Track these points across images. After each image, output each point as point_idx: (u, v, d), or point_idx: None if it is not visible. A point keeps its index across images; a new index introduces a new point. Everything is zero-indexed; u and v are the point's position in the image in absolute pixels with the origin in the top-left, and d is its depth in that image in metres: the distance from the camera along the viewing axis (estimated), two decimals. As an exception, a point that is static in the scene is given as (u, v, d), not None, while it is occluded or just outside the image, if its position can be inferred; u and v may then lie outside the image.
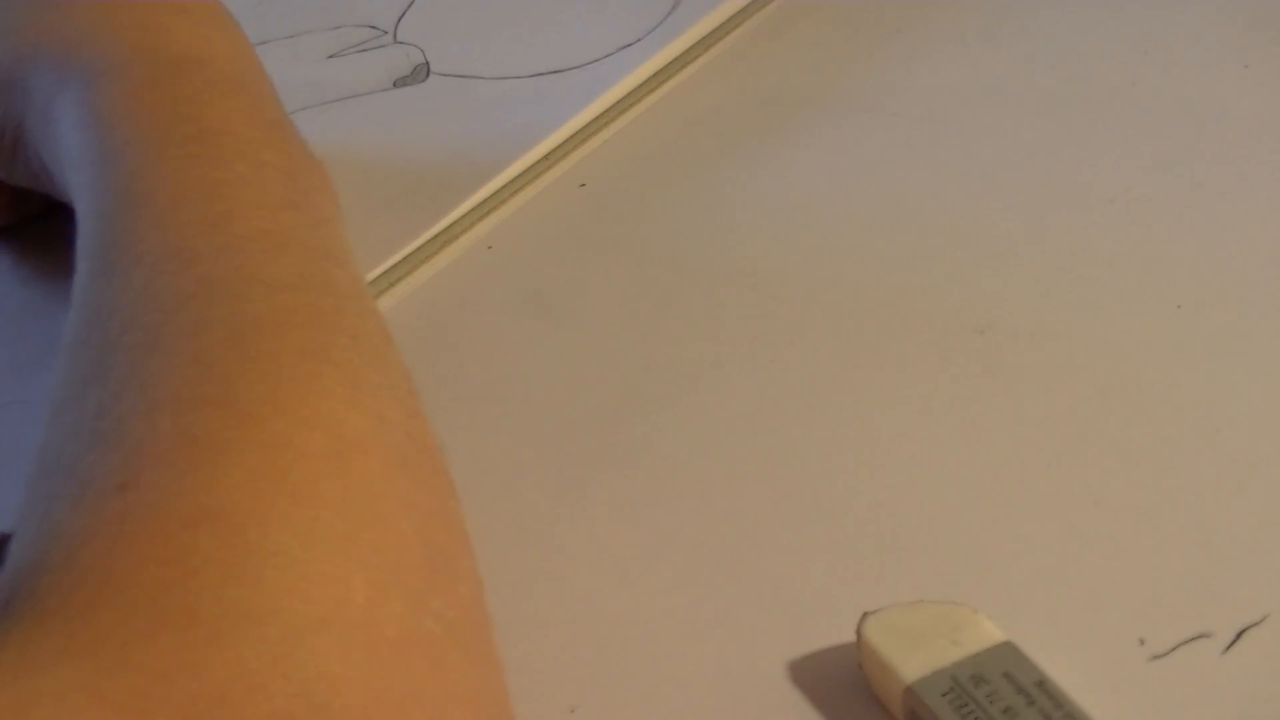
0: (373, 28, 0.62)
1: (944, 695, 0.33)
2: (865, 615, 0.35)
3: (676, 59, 0.58)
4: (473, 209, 0.52)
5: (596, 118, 0.55)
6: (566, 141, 0.54)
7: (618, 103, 0.56)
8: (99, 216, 0.39)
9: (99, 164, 0.40)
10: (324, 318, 0.35)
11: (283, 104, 0.45)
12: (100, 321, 0.35)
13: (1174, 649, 0.36)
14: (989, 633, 0.35)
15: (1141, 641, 0.36)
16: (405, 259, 0.50)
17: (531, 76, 0.58)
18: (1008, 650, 0.34)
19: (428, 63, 0.59)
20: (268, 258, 0.36)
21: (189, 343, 0.33)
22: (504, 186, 0.53)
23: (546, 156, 0.54)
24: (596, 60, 0.58)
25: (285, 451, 0.31)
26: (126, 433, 0.31)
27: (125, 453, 0.31)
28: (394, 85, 0.58)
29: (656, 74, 0.57)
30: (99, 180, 0.40)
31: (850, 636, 0.36)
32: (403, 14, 0.63)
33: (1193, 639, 0.36)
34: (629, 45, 0.58)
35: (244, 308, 0.34)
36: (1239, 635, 0.36)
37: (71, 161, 0.42)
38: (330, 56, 0.60)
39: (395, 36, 0.61)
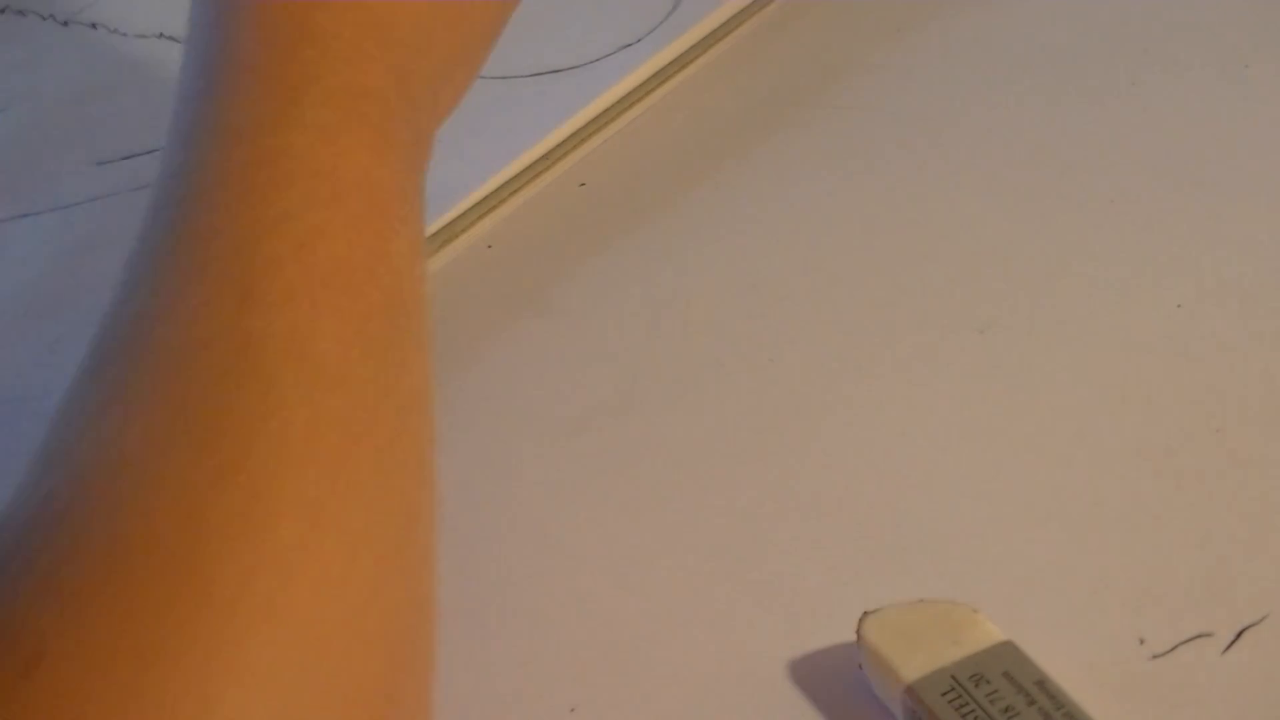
0: (373, 28, 0.62)
1: (944, 695, 0.33)
2: (865, 615, 0.35)
3: (676, 59, 0.58)
4: (473, 208, 0.52)
5: (596, 118, 0.55)
6: (566, 141, 0.54)
7: (618, 103, 0.56)
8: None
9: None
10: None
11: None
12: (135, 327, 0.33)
13: (1174, 649, 0.36)
14: (989, 633, 0.35)
15: (1141, 641, 0.36)
16: (405, 259, 0.50)
17: (531, 76, 0.58)
18: (1008, 650, 0.34)
19: (428, 63, 0.59)
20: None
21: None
22: (504, 186, 0.52)
23: (546, 156, 0.54)
24: (596, 60, 0.58)
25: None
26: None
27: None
28: (394, 85, 0.58)
29: (656, 74, 0.57)
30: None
31: (850, 636, 0.36)
32: (403, 14, 0.62)
33: (1193, 639, 0.36)
34: (629, 45, 0.58)
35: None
36: (1239, 635, 0.36)
37: None
38: (330, 56, 0.60)
39: (395, 36, 0.61)
